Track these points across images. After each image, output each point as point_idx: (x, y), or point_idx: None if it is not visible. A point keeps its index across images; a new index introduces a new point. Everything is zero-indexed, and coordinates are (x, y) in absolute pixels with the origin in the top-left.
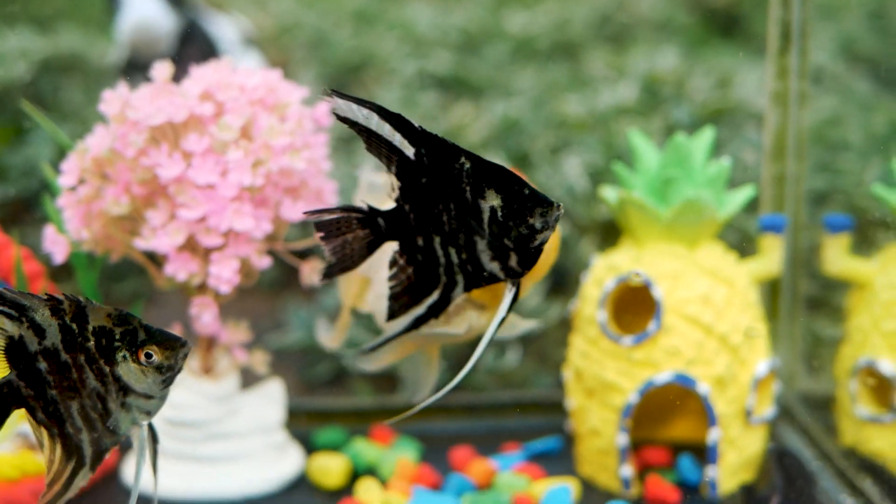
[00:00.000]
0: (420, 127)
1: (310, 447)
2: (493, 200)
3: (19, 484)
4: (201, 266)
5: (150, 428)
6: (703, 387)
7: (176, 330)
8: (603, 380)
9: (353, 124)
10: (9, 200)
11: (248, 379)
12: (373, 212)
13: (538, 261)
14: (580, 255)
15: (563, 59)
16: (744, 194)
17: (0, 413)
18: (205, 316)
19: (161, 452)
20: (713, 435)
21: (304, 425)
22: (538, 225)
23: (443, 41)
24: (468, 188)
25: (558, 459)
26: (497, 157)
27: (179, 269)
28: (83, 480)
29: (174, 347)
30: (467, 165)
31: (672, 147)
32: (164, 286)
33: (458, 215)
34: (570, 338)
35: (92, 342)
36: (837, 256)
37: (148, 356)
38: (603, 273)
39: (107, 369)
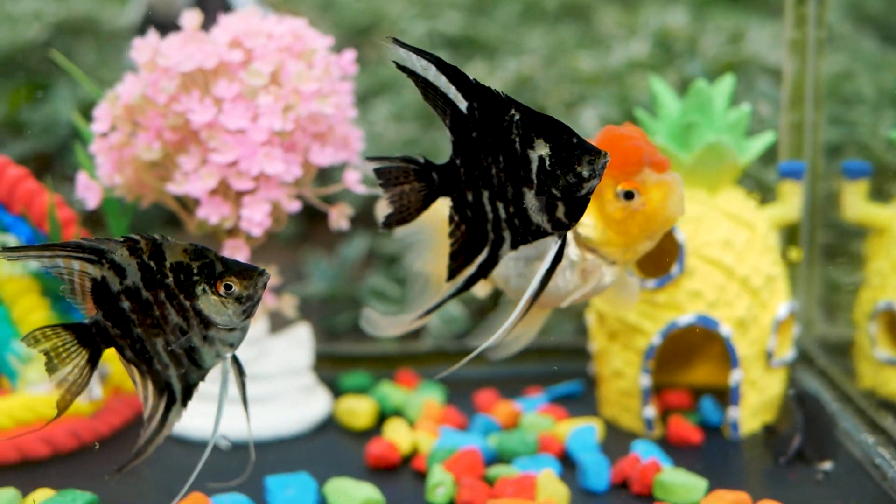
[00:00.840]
0: (474, 80)
1: (336, 391)
2: (541, 150)
3: (56, 423)
4: (233, 210)
5: (236, 361)
6: (725, 328)
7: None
8: (626, 322)
9: (411, 74)
10: (31, 155)
11: (276, 323)
12: (428, 165)
13: (657, 223)
14: None
15: (571, 20)
16: (764, 140)
17: (92, 352)
18: (237, 258)
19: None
20: (735, 376)
21: (329, 370)
22: (586, 173)
23: (452, 2)
24: (518, 139)
25: (580, 402)
26: None
27: (212, 213)
28: (177, 416)
29: (252, 276)
30: (517, 117)
31: (693, 93)
32: (195, 231)
33: (507, 168)
34: None
35: (171, 278)
36: (856, 202)
37: (227, 287)
38: None
39: (187, 304)
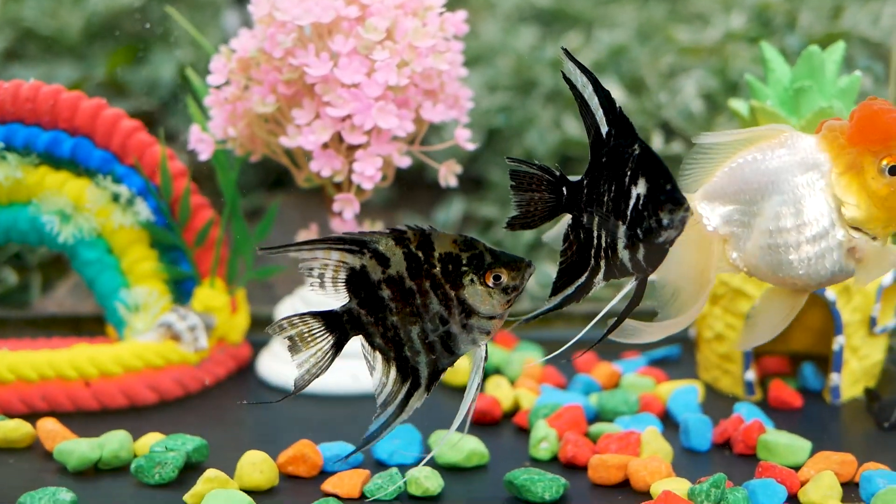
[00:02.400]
0: (620, 108)
1: None
2: (641, 188)
3: (163, 371)
4: (344, 164)
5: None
6: (831, 294)
7: (312, 230)
8: (729, 286)
9: (572, 87)
10: (134, 115)
11: None
12: (562, 178)
13: None
14: None
15: None
16: None
17: (339, 339)
18: (347, 212)
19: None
20: (838, 342)
21: None
22: (665, 220)
23: None
24: (629, 173)
25: (678, 365)
26: (610, 83)
27: (324, 166)
28: (418, 401)
29: (520, 268)
30: (637, 152)
31: (805, 58)
32: (304, 185)
33: (615, 199)
34: None
35: (438, 268)
36: None
37: (496, 278)
38: None
39: (452, 293)
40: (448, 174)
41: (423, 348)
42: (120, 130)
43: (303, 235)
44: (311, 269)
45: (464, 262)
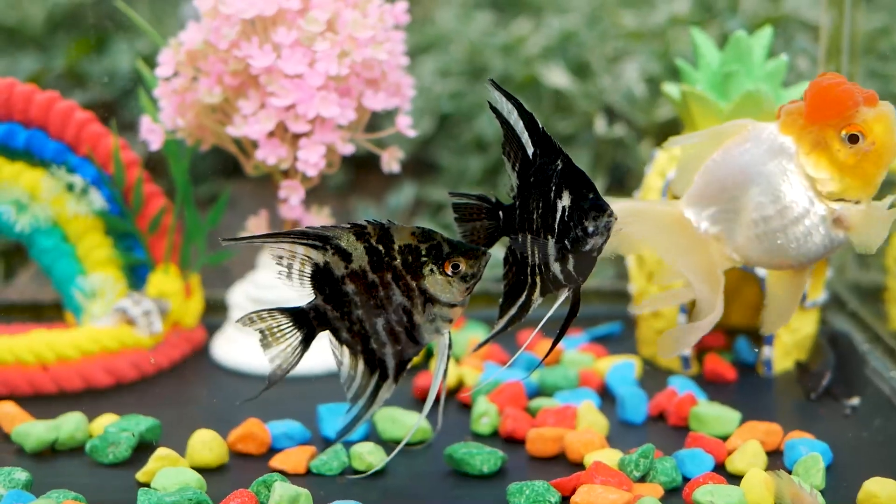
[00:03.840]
0: (543, 128)
1: None
2: (566, 201)
3: (119, 355)
4: (289, 152)
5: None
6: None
7: (262, 217)
8: (665, 264)
9: (498, 115)
10: (93, 105)
11: None
12: (498, 204)
13: (890, 154)
14: (640, 155)
15: None
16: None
17: (307, 335)
18: (293, 199)
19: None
20: None
21: None
22: (590, 228)
23: None
24: (553, 188)
25: (619, 342)
26: (557, 68)
27: (269, 154)
28: (387, 392)
29: (477, 256)
30: (559, 167)
31: (733, 43)
32: (252, 172)
33: (543, 215)
34: None
35: (399, 260)
36: None
37: (455, 267)
38: (665, 164)
39: (413, 284)
40: (391, 160)
41: (388, 340)
42: (73, 122)
43: (252, 222)
44: (281, 257)
45: (423, 252)
